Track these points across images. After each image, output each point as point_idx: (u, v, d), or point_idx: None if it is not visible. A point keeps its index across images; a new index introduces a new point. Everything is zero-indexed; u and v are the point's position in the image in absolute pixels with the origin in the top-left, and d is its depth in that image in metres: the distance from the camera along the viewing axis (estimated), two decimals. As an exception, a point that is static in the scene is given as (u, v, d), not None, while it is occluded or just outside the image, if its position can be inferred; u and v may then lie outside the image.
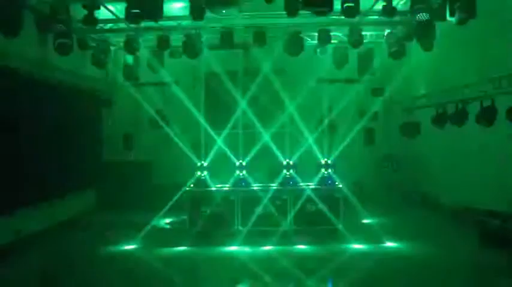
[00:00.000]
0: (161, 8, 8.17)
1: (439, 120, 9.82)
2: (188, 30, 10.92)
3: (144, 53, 12.55)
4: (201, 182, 9.62)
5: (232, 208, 9.29)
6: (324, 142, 11.58)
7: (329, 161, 9.88)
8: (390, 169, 12.24)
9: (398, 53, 11.08)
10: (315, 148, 10.69)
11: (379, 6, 9.65)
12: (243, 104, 11.98)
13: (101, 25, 10.42)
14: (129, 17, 8.64)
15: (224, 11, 7.64)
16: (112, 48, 12.85)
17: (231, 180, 9.72)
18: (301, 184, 9.65)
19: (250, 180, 9.74)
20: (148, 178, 12.99)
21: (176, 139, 12.17)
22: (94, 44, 11.51)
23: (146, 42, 12.29)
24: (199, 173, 9.69)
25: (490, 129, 8.07)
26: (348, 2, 8.59)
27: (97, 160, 12.47)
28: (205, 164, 9.83)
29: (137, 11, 8.36)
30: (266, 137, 11.44)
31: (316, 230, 9.22)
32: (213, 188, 9.56)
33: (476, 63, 9.56)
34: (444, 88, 9.93)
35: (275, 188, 9.48)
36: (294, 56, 11.52)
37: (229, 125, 12.10)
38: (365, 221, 10.65)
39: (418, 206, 12.75)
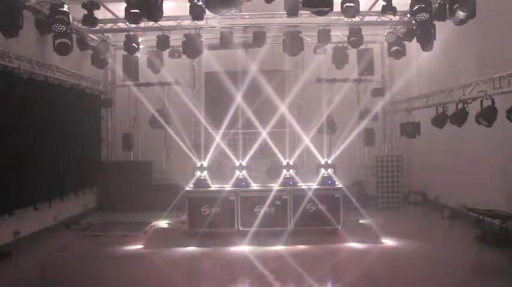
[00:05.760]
0: (161, 8, 8.16)
1: (439, 120, 9.79)
2: (188, 30, 10.94)
3: (144, 53, 12.57)
4: (201, 182, 9.60)
5: (232, 208, 9.28)
6: (324, 142, 11.57)
7: (329, 162, 9.85)
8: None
9: (398, 53, 11.11)
10: (315, 148, 10.67)
11: (378, 6, 9.66)
12: (242, 104, 11.97)
13: (100, 25, 10.43)
14: (129, 17, 8.63)
15: (224, 11, 7.62)
16: (112, 48, 12.89)
17: (231, 180, 9.69)
18: (301, 184, 9.63)
19: (250, 180, 9.72)
20: (148, 178, 12.98)
21: (176, 139, 12.18)
22: (94, 44, 11.54)
23: (146, 42, 12.33)
24: (199, 173, 9.66)
25: (489, 129, 8.05)
26: (348, 2, 8.60)
27: (97, 160, 12.46)
28: (205, 164, 9.80)
29: (137, 11, 8.35)
30: (266, 137, 11.44)
31: (316, 230, 9.22)
32: (213, 188, 9.55)
33: (476, 63, 9.56)
34: (444, 88, 9.92)
35: (275, 188, 9.47)
36: (294, 56, 11.55)
37: (229, 125, 12.11)
38: (365, 221, 10.64)
39: (418, 206, 12.76)
